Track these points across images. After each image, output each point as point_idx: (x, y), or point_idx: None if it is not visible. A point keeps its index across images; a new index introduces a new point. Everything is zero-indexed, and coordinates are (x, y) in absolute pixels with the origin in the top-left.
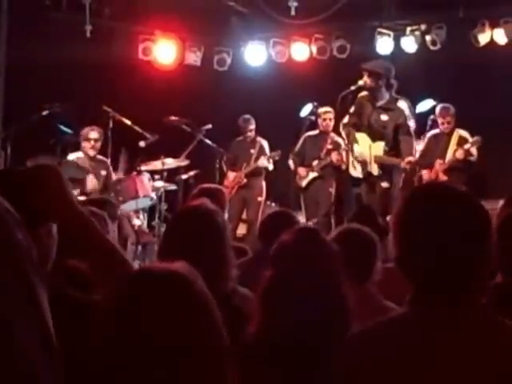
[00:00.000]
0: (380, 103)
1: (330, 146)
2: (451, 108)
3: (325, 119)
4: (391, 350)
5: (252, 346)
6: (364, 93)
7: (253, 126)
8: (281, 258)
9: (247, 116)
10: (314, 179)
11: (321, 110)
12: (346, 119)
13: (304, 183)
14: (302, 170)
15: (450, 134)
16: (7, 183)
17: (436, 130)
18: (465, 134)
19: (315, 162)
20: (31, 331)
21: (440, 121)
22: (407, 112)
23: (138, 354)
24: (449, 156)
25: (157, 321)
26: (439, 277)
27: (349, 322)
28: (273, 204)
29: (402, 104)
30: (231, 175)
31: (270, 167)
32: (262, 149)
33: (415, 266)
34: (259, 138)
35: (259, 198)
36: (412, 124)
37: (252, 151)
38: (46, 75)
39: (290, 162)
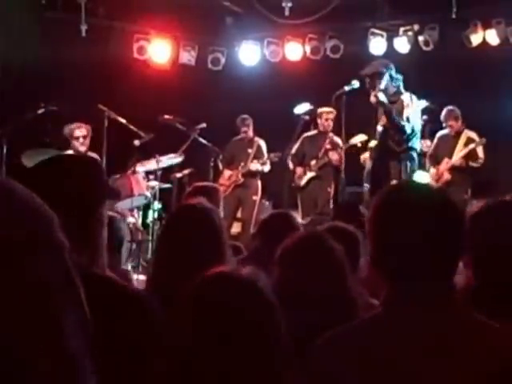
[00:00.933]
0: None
1: (328, 146)
2: (455, 110)
3: (327, 119)
4: (364, 351)
5: None
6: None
7: (246, 128)
8: (287, 261)
9: (245, 116)
10: (312, 179)
11: (322, 109)
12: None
13: (302, 182)
14: (299, 170)
15: (457, 135)
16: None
17: (445, 131)
18: (473, 135)
19: (313, 162)
20: (77, 323)
21: (444, 124)
22: (406, 102)
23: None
24: (455, 156)
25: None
26: (413, 277)
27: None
28: (267, 203)
29: (405, 96)
30: (227, 173)
31: (266, 169)
32: (259, 149)
33: (389, 266)
34: (257, 138)
35: (254, 197)
36: (408, 111)
37: (249, 151)
38: (42, 74)
39: (289, 162)
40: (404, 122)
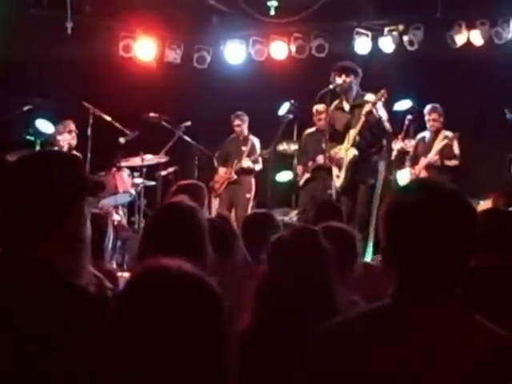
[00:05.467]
0: (349, 104)
1: (324, 145)
2: (439, 107)
3: (320, 119)
4: (365, 343)
5: (244, 340)
6: (334, 103)
7: (238, 122)
8: (276, 256)
9: (240, 112)
10: (308, 180)
11: (315, 108)
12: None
13: (301, 183)
14: (300, 170)
15: (435, 135)
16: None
17: (425, 132)
18: (450, 134)
19: (310, 163)
20: None
21: (426, 118)
22: (377, 106)
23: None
24: (433, 153)
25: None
26: (422, 274)
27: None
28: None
29: (370, 96)
30: (222, 171)
31: (257, 167)
32: (253, 147)
33: (398, 262)
34: (252, 137)
35: (247, 195)
36: (383, 111)
37: (243, 148)
38: (27, 71)
39: (294, 160)
40: (386, 123)
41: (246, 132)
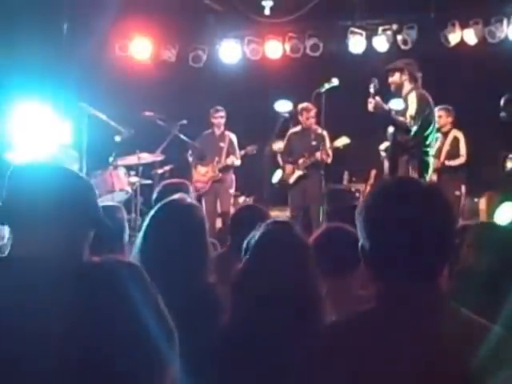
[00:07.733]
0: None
1: (314, 143)
2: (448, 107)
3: (308, 118)
4: (360, 342)
5: (226, 335)
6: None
7: (222, 114)
8: (254, 250)
9: (218, 107)
10: (300, 177)
11: (302, 106)
12: None
13: (291, 181)
14: (288, 168)
15: (445, 135)
16: None
17: (437, 134)
18: (459, 134)
19: (301, 161)
20: None
21: (436, 114)
22: (411, 100)
23: None
24: (443, 156)
25: None
26: (401, 277)
27: (321, 310)
28: (247, 199)
29: (411, 95)
30: (202, 169)
31: (238, 163)
32: (231, 143)
33: (378, 265)
34: (228, 132)
35: (230, 191)
36: (413, 109)
37: (222, 145)
38: (24, 71)
39: (279, 160)
40: (409, 122)
41: (222, 128)
